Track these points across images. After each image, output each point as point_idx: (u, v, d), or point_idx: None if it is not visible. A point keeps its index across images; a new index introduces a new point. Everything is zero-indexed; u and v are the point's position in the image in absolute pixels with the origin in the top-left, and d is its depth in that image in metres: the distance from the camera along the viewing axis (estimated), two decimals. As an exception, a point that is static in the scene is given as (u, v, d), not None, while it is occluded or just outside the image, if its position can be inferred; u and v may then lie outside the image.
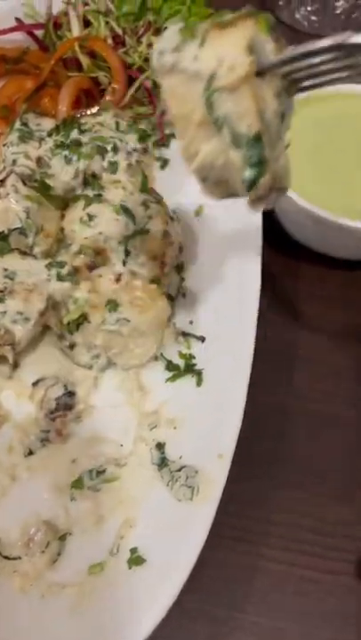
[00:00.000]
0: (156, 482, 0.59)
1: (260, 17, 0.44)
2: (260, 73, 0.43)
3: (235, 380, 0.63)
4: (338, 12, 1.09)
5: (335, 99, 0.82)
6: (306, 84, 0.46)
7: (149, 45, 0.88)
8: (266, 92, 0.44)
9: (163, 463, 0.60)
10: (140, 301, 0.65)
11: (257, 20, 0.44)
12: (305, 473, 0.67)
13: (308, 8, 1.11)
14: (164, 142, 0.88)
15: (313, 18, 1.12)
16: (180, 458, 0.60)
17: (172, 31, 0.45)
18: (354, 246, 0.78)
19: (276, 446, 0.69)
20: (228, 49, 0.42)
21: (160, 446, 0.62)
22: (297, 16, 1.14)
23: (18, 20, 0.93)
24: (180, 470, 0.58)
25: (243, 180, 0.45)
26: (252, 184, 0.45)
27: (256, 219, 0.75)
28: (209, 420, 0.61)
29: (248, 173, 0.45)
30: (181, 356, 0.69)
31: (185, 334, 0.70)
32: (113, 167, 0.75)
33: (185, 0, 0.93)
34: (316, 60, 0.43)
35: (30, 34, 0.94)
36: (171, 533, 0.54)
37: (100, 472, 0.61)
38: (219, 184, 0.49)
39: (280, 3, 1.14)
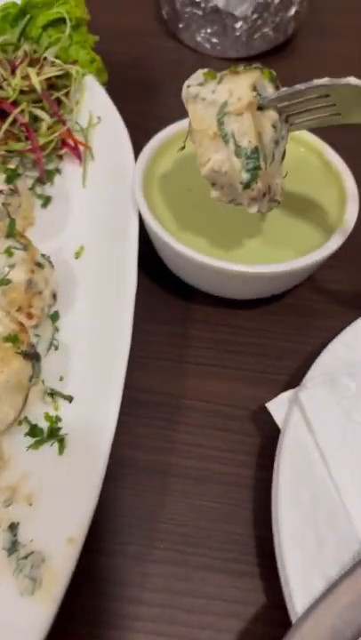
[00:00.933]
0: (4, 571, 0.52)
1: (265, 70, 0.61)
2: (261, 108, 0.60)
3: (96, 448, 0.57)
4: (238, 33, 1.06)
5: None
6: (296, 120, 0.63)
7: (25, 78, 0.82)
8: (264, 121, 0.60)
9: (13, 548, 0.54)
10: (-10, 364, 0.59)
11: (262, 71, 0.61)
12: (182, 543, 0.61)
13: (208, 30, 1.08)
14: (43, 180, 0.83)
15: (214, 40, 1.09)
16: (32, 541, 0.54)
17: (199, 73, 0.63)
18: (233, 288, 0.74)
19: (153, 515, 0.63)
20: (238, 86, 0.58)
21: (13, 527, 0.55)
22: (198, 39, 1.10)
23: None
24: (26, 558, 0.52)
25: (240, 181, 0.60)
26: (247, 185, 0.60)
27: (131, 260, 0.70)
28: (65, 495, 0.55)
29: (245, 176, 0.60)
30: (47, 418, 0.63)
31: (52, 393, 0.65)
32: (-24, 212, 0.69)
33: (64, 28, 0.88)
34: (302, 99, 0.60)
35: None
36: (6, 635, 0.48)
37: None
38: (224, 188, 0.64)
39: (180, 26, 1.11)
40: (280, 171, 0.64)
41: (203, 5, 1.04)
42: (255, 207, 0.63)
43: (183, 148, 0.68)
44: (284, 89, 0.60)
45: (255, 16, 1.04)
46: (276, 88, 0.61)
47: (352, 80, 0.56)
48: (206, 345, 0.75)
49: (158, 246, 0.75)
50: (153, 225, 0.70)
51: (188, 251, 0.68)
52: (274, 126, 0.61)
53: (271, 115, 0.60)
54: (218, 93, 0.59)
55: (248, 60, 1.11)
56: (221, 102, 0.58)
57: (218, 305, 0.77)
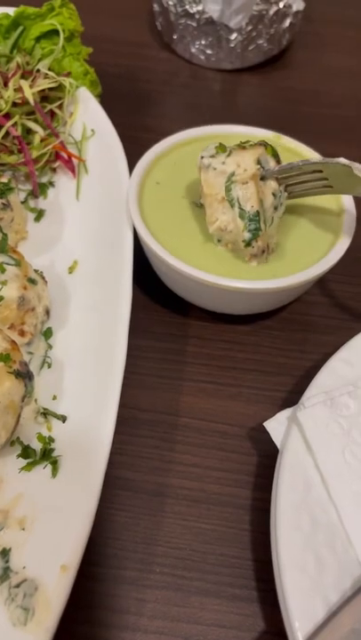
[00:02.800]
0: (-4, 599, 0.51)
1: (268, 146, 0.69)
2: (263, 178, 0.68)
3: (91, 470, 0.55)
4: (232, 45, 1.05)
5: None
6: (294, 189, 0.71)
7: (17, 90, 0.81)
8: (266, 190, 0.68)
9: (5, 575, 0.52)
10: (-18, 384, 0.57)
11: (266, 147, 0.69)
12: (178, 567, 0.59)
13: (203, 42, 1.07)
14: (36, 194, 0.81)
15: (209, 52, 1.08)
16: (24, 568, 0.52)
17: (212, 146, 0.69)
18: (230, 303, 0.73)
19: (149, 538, 0.61)
20: (245, 159, 0.67)
21: (5, 553, 0.53)
22: (192, 50, 1.10)
23: None
24: (19, 586, 0.50)
25: (243, 239, 0.68)
26: (248, 243, 0.68)
27: (126, 275, 0.68)
28: (58, 520, 0.54)
29: (247, 235, 0.67)
30: (40, 439, 0.61)
31: (45, 413, 0.63)
32: (-33, 227, 0.68)
33: (57, 40, 0.87)
34: (299, 172, 0.69)
35: None
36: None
37: None
38: (228, 244, 0.70)
39: (174, 37, 1.10)
40: (276, 229, 0.71)
41: (197, 17, 1.04)
42: (255, 262, 0.69)
43: (201, 205, 0.73)
44: (285, 164, 0.69)
45: (250, 28, 1.03)
46: (277, 162, 0.70)
47: (342, 160, 0.65)
48: (202, 361, 0.74)
49: (153, 261, 0.74)
50: (148, 240, 0.69)
51: (185, 266, 0.66)
52: (274, 194, 0.69)
53: (272, 184, 0.69)
54: (227, 165, 0.67)
55: (241, 72, 1.10)
56: (229, 172, 0.67)
57: (213, 320, 0.76)
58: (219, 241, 0.71)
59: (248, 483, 0.65)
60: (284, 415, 0.61)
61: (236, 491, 0.64)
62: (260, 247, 0.68)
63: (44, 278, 0.70)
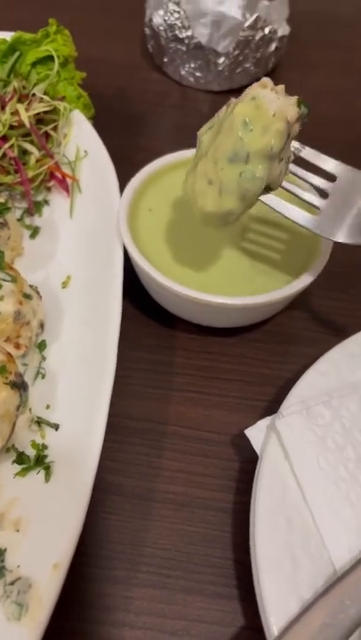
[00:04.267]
0: (-9, 597, 0.54)
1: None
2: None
3: (82, 475, 0.59)
4: (220, 68, 1.10)
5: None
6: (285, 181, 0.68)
7: (14, 113, 0.85)
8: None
9: (0, 573, 0.56)
10: (-21, 395, 0.61)
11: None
12: (164, 566, 0.63)
13: (192, 65, 1.12)
14: (31, 212, 0.86)
15: (198, 74, 1.13)
16: (19, 567, 0.56)
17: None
18: (215, 318, 0.77)
19: (137, 540, 0.65)
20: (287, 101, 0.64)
21: (0, 553, 0.57)
22: (182, 72, 1.14)
23: None
24: (13, 583, 0.54)
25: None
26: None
27: (116, 290, 0.72)
28: (51, 522, 0.57)
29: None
30: (34, 446, 0.65)
31: (39, 422, 0.67)
32: (-34, 245, 0.72)
33: (52, 65, 0.91)
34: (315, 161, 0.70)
35: None
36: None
37: None
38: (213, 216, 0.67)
39: (165, 60, 1.15)
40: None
41: (186, 42, 1.08)
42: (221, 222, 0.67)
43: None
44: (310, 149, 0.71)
45: (237, 52, 1.08)
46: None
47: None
48: (188, 372, 0.77)
49: (142, 277, 0.77)
50: (136, 257, 0.73)
51: (171, 283, 0.70)
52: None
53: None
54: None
55: (230, 93, 1.15)
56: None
57: (200, 333, 0.80)
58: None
59: (230, 487, 0.69)
60: (263, 423, 0.65)
61: (218, 495, 0.68)
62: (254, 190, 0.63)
63: (38, 293, 0.74)
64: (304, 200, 0.70)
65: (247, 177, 0.62)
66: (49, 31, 0.93)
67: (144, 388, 0.76)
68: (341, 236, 0.68)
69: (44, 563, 0.54)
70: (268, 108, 0.61)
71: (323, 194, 0.70)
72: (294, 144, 0.70)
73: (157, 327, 0.81)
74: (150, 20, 1.12)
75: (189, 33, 1.07)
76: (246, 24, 1.05)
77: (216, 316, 0.76)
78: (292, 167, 0.70)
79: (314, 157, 0.71)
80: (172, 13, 1.07)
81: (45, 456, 0.64)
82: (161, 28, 1.09)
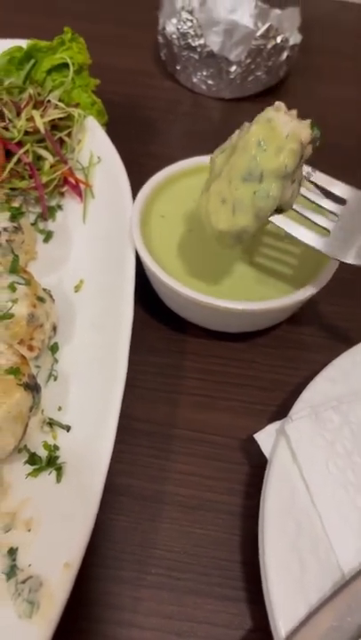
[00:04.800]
0: (3, 594, 0.55)
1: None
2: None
3: (93, 476, 0.60)
4: (232, 76, 1.11)
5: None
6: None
7: (29, 119, 0.87)
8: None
9: (12, 572, 0.56)
10: (-7, 396, 0.62)
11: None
12: (173, 568, 0.63)
13: (204, 73, 1.13)
14: (45, 216, 0.87)
15: (210, 82, 1.14)
16: (30, 566, 0.56)
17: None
18: (226, 323, 0.78)
19: (146, 541, 0.65)
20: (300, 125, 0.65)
21: (12, 552, 0.58)
22: (194, 80, 1.15)
23: None
24: (25, 582, 0.55)
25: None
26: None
27: (128, 295, 0.73)
28: (62, 522, 0.58)
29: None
30: (46, 447, 0.66)
31: (51, 423, 0.68)
32: (-19, 248, 0.73)
33: (67, 72, 0.93)
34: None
35: None
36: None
37: None
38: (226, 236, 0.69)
39: (177, 68, 1.16)
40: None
41: (199, 50, 1.09)
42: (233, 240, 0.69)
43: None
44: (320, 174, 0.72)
45: (248, 60, 1.09)
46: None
47: None
48: (198, 376, 0.78)
49: (153, 282, 0.78)
50: (148, 261, 0.74)
51: (181, 287, 0.71)
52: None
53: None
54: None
55: (241, 101, 1.16)
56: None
57: (210, 337, 0.81)
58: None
59: (239, 491, 0.69)
60: (273, 428, 0.66)
61: (227, 498, 0.68)
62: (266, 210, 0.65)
63: (51, 297, 0.75)
64: (314, 222, 0.71)
65: (261, 195, 0.64)
66: (64, 39, 0.95)
67: (154, 391, 0.77)
68: (351, 258, 0.69)
69: (55, 562, 0.55)
70: (282, 129, 0.63)
71: (332, 216, 0.71)
72: (306, 168, 0.72)
73: (168, 331, 0.82)
74: (163, 28, 1.13)
75: (202, 41, 1.08)
76: (258, 33, 1.06)
77: (226, 321, 0.77)
78: (303, 190, 0.72)
79: (324, 181, 0.72)
80: (185, 22, 1.08)
81: (57, 457, 0.65)
82: (174, 36, 1.11)
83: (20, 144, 0.86)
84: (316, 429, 0.63)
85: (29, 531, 0.59)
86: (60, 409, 0.69)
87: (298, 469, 0.62)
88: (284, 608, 0.55)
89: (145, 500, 0.68)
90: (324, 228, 0.71)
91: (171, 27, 1.11)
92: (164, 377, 0.78)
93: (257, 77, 1.13)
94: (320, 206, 0.72)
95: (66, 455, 0.65)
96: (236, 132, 0.68)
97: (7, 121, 0.87)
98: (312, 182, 0.73)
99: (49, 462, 0.64)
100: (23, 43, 0.97)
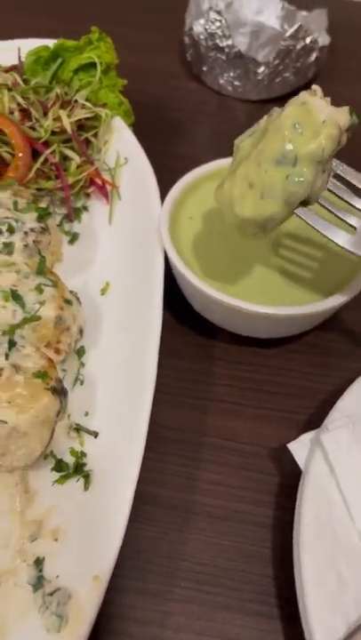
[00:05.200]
0: (30, 606, 0.53)
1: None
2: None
3: (121, 485, 0.58)
4: (260, 77, 1.09)
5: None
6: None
7: (56, 119, 0.86)
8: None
9: (39, 583, 0.54)
10: (21, 399, 0.60)
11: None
12: (202, 582, 0.61)
13: (231, 74, 1.11)
14: (71, 218, 0.85)
15: (236, 83, 1.12)
16: (57, 577, 0.55)
17: None
18: (257, 328, 0.75)
19: (174, 553, 0.63)
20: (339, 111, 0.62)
21: (38, 562, 0.56)
22: (221, 81, 1.14)
23: None
24: (52, 594, 0.53)
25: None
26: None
27: (157, 298, 0.72)
28: (91, 532, 0.56)
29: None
30: (73, 453, 0.64)
31: (78, 429, 0.66)
32: (8, 248, 0.72)
33: (94, 72, 0.91)
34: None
35: None
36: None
37: (-28, 594, 0.55)
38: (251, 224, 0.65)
39: (204, 69, 1.14)
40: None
41: (227, 51, 1.08)
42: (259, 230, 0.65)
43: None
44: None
45: (277, 61, 1.07)
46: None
47: None
48: (227, 382, 0.76)
49: (183, 286, 0.77)
50: (179, 266, 0.72)
51: (215, 293, 0.69)
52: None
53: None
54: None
55: (268, 103, 1.14)
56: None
57: (239, 343, 0.79)
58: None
59: (270, 502, 0.67)
60: (307, 437, 0.64)
61: (258, 509, 0.66)
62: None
63: (78, 299, 0.74)
64: (341, 218, 0.68)
65: (294, 180, 0.60)
66: (91, 38, 0.94)
67: (182, 397, 0.75)
68: None
69: (84, 574, 0.53)
70: (318, 113, 0.60)
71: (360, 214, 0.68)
72: (333, 161, 0.69)
73: (195, 336, 0.80)
74: (190, 28, 1.12)
75: (230, 42, 1.07)
76: (288, 34, 1.04)
77: (258, 326, 0.75)
78: (330, 185, 0.68)
79: (351, 175, 0.69)
80: (213, 22, 1.06)
81: (84, 464, 0.63)
82: (201, 36, 1.09)
83: (46, 144, 0.85)
84: (353, 440, 0.61)
85: (56, 540, 0.58)
86: (86, 414, 0.67)
87: (334, 481, 0.59)
88: (322, 624, 0.52)
89: (172, 509, 0.66)
90: (351, 226, 0.67)
91: (198, 27, 1.09)
92: (191, 383, 0.76)
93: (285, 79, 1.11)
94: (348, 202, 0.68)
95: (93, 462, 0.63)
96: (265, 117, 0.65)
97: (34, 120, 0.85)
98: (339, 176, 0.69)
99: (76, 469, 0.62)
100: (50, 42, 0.96)
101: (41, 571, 0.56)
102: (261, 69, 1.08)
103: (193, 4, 1.12)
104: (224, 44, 1.07)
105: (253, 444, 0.71)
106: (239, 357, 0.78)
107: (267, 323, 0.72)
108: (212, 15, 1.06)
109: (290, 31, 1.05)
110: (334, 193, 0.69)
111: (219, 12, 1.06)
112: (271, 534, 0.65)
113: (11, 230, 0.73)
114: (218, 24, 1.06)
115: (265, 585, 0.62)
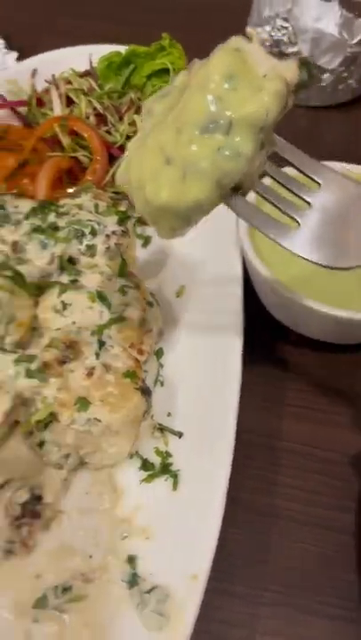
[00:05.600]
0: (126, 603, 0.54)
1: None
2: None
3: (212, 486, 0.59)
4: (324, 84, 1.10)
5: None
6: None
7: (131, 124, 0.87)
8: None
9: (133, 580, 0.55)
10: (112, 398, 0.61)
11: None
12: (287, 585, 0.61)
13: (295, 80, 1.12)
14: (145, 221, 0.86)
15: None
16: (151, 575, 0.55)
17: None
18: (333, 330, 0.75)
19: (259, 556, 0.63)
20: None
21: (131, 560, 0.57)
22: (283, 88, 1.14)
23: (1, 96, 0.93)
24: (149, 592, 0.53)
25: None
26: None
27: (236, 301, 0.72)
28: (183, 531, 0.57)
29: None
30: (158, 453, 0.65)
31: (162, 429, 0.67)
32: (91, 250, 0.73)
33: (167, 78, 0.93)
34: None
35: (13, 110, 0.94)
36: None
37: (67, 589, 0.56)
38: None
39: (266, 75, 1.15)
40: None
41: (291, 57, 1.08)
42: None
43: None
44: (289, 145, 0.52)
45: (342, 68, 1.07)
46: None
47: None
48: (304, 387, 0.76)
49: (263, 291, 0.77)
50: (258, 267, 0.72)
51: (303, 298, 0.69)
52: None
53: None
54: None
55: (329, 109, 1.14)
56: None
57: (314, 348, 0.79)
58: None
59: (349, 507, 0.67)
60: (392, 444, 0.63)
61: (340, 515, 0.66)
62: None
63: (157, 301, 0.75)
64: (281, 210, 0.52)
65: (228, 153, 0.44)
66: (163, 44, 0.95)
67: (259, 401, 0.75)
68: (323, 257, 0.51)
69: (178, 573, 0.54)
70: (257, 64, 0.45)
71: (304, 204, 0.53)
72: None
73: (269, 340, 0.80)
74: (253, 35, 1.12)
75: (295, 49, 1.07)
76: (354, 40, 1.05)
77: (340, 332, 0.74)
78: (267, 166, 0.53)
79: (292, 155, 0.52)
80: (279, 29, 1.07)
81: (170, 464, 0.63)
82: (267, 43, 1.10)
83: (121, 148, 0.86)
84: None
85: (147, 539, 0.58)
86: (169, 415, 0.68)
87: None
88: None
89: (254, 512, 0.66)
90: (293, 218, 0.53)
91: (263, 34, 1.10)
92: (268, 387, 0.76)
93: (348, 85, 1.11)
94: (290, 189, 0.53)
95: (178, 462, 0.64)
96: (182, 71, 0.49)
97: (110, 125, 0.87)
98: (277, 155, 0.52)
99: (163, 469, 0.63)
100: (122, 49, 0.97)
101: (134, 568, 0.56)
102: (326, 76, 1.09)
103: (255, 11, 1.13)
104: (289, 50, 1.08)
105: (331, 449, 0.71)
106: (315, 363, 0.78)
107: (350, 328, 0.72)
108: (279, 22, 1.07)
109: (356, 38, 1.05)
110: (274, 178, 0.53)
111: (285, 19, 1.06)
112: (354, 540, 0.65)
113: (93, 233, 0.74)
114: (284, 31, 1.07)
115: (351, 591, 0.62)
